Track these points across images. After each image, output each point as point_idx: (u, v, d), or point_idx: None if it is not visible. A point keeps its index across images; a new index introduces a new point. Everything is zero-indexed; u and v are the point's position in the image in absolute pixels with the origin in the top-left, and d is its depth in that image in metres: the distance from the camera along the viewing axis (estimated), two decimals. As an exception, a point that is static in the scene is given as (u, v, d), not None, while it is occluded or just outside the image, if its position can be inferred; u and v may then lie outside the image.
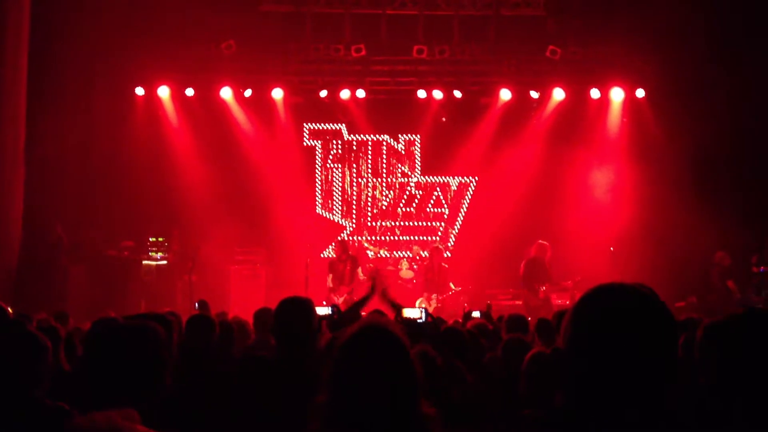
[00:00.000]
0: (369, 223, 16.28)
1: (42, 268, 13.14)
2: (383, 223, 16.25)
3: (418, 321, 5.33)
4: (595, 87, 15.36)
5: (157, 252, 14.38)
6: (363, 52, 14.98)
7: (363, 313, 6.51)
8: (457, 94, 15.44)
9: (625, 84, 15.30)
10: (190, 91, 15.28)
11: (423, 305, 12.92)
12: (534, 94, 15.51)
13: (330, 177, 16.33)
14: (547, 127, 15.61)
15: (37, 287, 12.43)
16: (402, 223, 16.27)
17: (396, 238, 16.18)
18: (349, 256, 13.90)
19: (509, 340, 5.40)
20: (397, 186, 16.38)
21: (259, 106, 15.61)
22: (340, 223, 16.22)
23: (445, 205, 16.31)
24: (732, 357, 2.38)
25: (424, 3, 15.20)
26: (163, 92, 15.31)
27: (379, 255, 15.37)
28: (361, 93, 15.46)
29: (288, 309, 4.22)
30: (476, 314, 8.57)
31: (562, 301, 13.18)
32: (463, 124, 15.75)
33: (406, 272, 14.79)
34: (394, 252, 15.82)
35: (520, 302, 13.48)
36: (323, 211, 16.22)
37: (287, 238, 15.00)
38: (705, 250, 13.57)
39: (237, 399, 4.01)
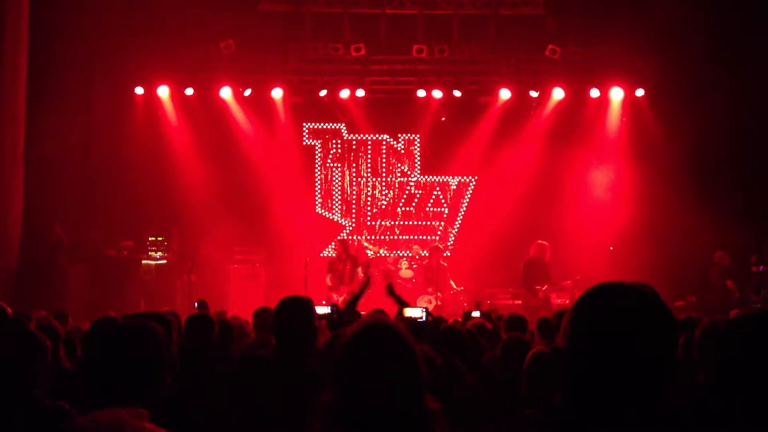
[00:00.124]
0: (368, 223, 16.28)
1: (41, 268, 13.14)
2: (383, 223, 16.25)
3: (419, 320, 5.33)
4: (595, 86, 15.36)
5: (156, 251, 14.37)
6: (362, 52, 14.97)
7: (362, 312, 6.52)
8: (457, 93, 15.44)
9: (625, 83, 15.30)
10: (189, 91, 15.28)
11: (424, 304, 12.93)
12: (533, 94, 15.51)
13: (329, 176, 16.32)
14: (546, 127, 15.61)
15: (36, 287, 12.43)
16: (401, 223, 16.27)
17: (395, 237, 16.18)
18: (349, 255, 13.92)
19: (508, 340, 5.40)
20: (397, 185, 16.38)
21: (259, 105, 15.60)
22: (340, 222, 16.22)
23: (445, 205, 16.30)
24: (731, 356, 2.38)
25: (424, 2, 15.20)
26: (163, 92, 15.30)
27: (378, 254, 15.37)
28: (360, 92, 15.46)
29: (287, 308, 4.22)
30: (476, 314, 8.57)
31: (561, 301, 13.18)
32: (462, 124, 15.75)
33: (405, 271, 14.79)
34: (394, 251, 15.82)
35: (520, 302, 13.48)
36: (323, 211, 16.22)
37: (287, 237, 15.00)
38: (704, 249, 13.58)
39: (236, 398, 4.01)
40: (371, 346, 2.28)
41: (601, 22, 14.90)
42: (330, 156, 16.28)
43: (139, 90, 15.24)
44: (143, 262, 14.25)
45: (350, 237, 15.80)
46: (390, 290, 6.32)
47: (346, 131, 16.24)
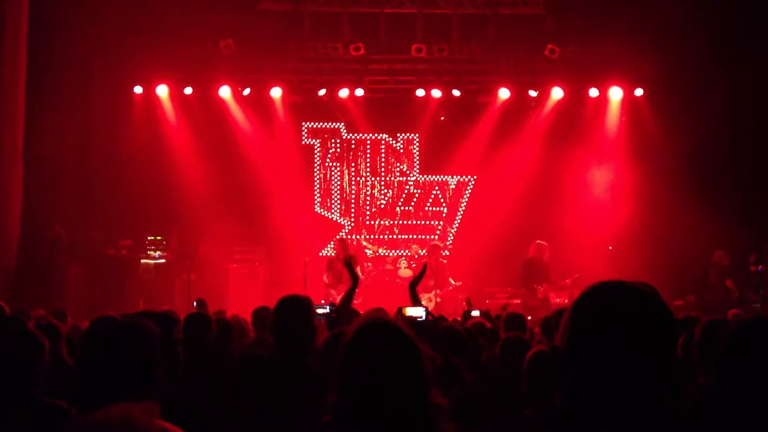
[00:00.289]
0: (367, 222, 16.27)
1: (40, 267, 13.15)
2: (382, 222, 16.24)
3: (419, 320, 5.33)
4: (594, 86, 15.36)
5: (155, 251, 14.36)
6: (362, 51, 14.97)
7: (361, 312, 6.52)
8: (456, 93, 15.44)
9: (624, 83, 15.30)
10: (188, 90, 15.27)
11: (423, 302, 12.92)
12: (533, 93, 15.51)
13: (329, 176, 16.32)
14: (545, 126, 15.61)
15: (35, 286, 12.43)
16: (400, 222, 16.27)
17: (394, 236, 16.17)
18: (348, 254, 13.91)
19: (507, 339, 5.40)
20: (396, 185, 16.38)
21: (258, 104, 15.60)
22: (339, 221, 16.22)
23: (444, 204, 16.30)
24: (732, 357, 2.38)
25: (423, 2, 15.21)
26: (162, 91, 15.30)
27: (377, 254, 15.37)
28: (359, 92, 15.45)
29: (287, 307, 4.22)
30: (476, 313, 8.57)
31: (560, 300, 13.20)
32: (461, 123, 15.74)
33: (404, 271, 14.79)
34: (393, 251, 15.81)
35: (519, 301, 13.48)
36: (322, 210, 16.21)
37: (286, 236, 15.00)
38: (703, 249, 13.58)
39: (235, 398, 4.00)
40: (373, 345, 2.27)
41: (600, 22, 14.90)
42: (329, 155, 16.28)
43: (138, 89, 15.23)
44: (142, 261, 14.24)
45: (349, 236, 15.80)
46: (412, 287, 6.39)
47: (345, 131, 16.23)
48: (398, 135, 16.35)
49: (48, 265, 13.29)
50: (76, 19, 13.58)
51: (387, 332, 2.31)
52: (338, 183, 16.30)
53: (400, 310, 5.57)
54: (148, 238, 14.40)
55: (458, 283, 14.12)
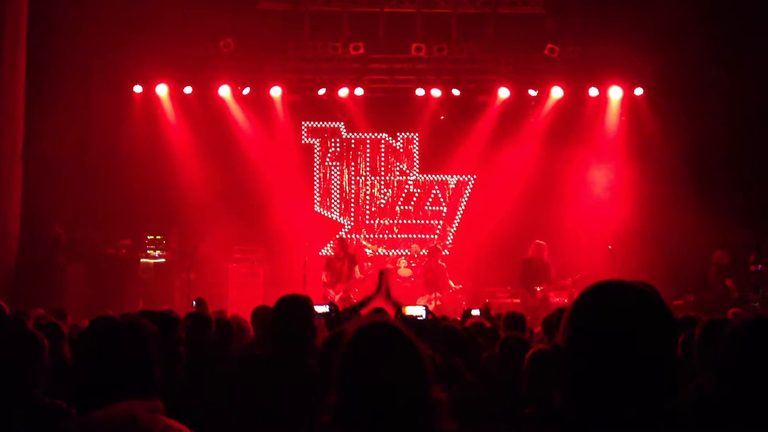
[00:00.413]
0: (367, 221, 16.27)
1: (40, 267, 13.15)
2: (381, 221, 16.24)
3: (419, 319, 5.33)
4: (594, 85, 15.36)
5: (155, 250, 14.36)
6: (361, 50, 14.97)
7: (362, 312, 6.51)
8: (456, 92, 15.44)
9: (624, 82, 15.29)
10: (188, 89, 15.27)
11: (424, 303, 12.92)
12: (532, 93, 15.50)
13: (328, 175, 16.32)
14: (545, 126, 15.60)
15: (35, 285, 12.43)
16: (400, 221, 16.27)
17: (394, 236, 16.17)
18: (347, 254, 13.94)
19: (507, 338, 5.40)
20: (396, 184, 16.38)
21: (258, 104, 15.59)
22: (339, 221, 16.21)
23: (443, 204, 16.30)
24: (732, 356, 2.38)
25: (423, 1, 15.21)
26: (162, 90, 15.29)
27: (377, 253, 15.37)
28: (359, 91, 15.45)
29: (286, 307, 4.22)
30: (475, 312, 8.57)
31: (560, 300, 13.19)
32: (461, 123, 15.74)
33: (404, 270, 14.79)
34: (393, 250, 15.81)
35: (518, 300, 13.48)
36: (321, 210, 16.21)
37: (285, 236, 14.99)
38: (703, 248, 13.57)
39: (235, 397, 4.00)
40: (372, 345, 2.29)
41: (600, 22, 14.90)
42: (329, 155, 16.28)
43: (137, 88, 15.22)
44: (142, 260, 14.24)
45: (349, 235, 15.80)
46: (387, 295, 6.30)
47: (344, 130, 16.23)
48: (398, 134, 16.35)
49: (48, 265, 13.29)
50: (76, 19, 13.58)
51: (386, 333, 2.32)
52: (338, 182, 16.29)
53: (399, 310, 5.56)
54: (148, 237, 14.40)
55: (458, 286, 14.12)
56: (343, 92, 15.46)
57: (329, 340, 4.20)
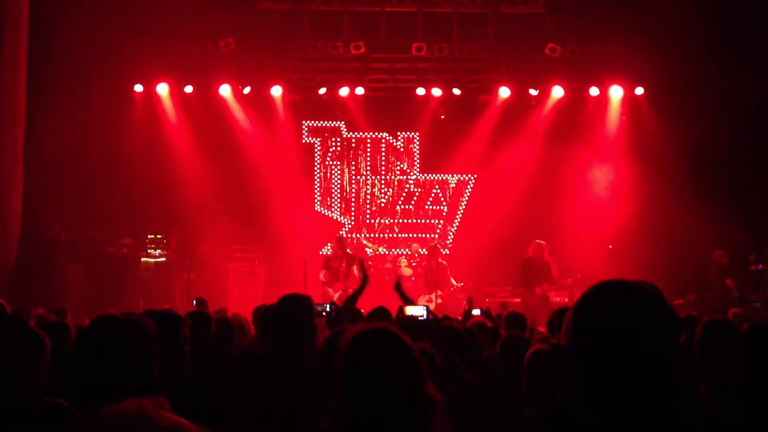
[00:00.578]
0: (368, 221, 16.27)
1: (40, 266, 13.14)
2: (382, 221, 16.24)
3: (420, 319, 5.33)
4: (594, 85, 15.36)
5: (155, 249, 14.36)
6: (362, 50, 14.96)
7: (362, 310, 6.52)
8: (456, 91, 15.44)
9: (624, 82, 15.29)
10: (188, 89, 15.27)
11: (425, 303, 12.93)
12: (533, 92, 15.50)
13: (329, 174, 16.32)
14: (545, 125, 15.60)
15: (35, 285, 12.43)
16: (400, 221, 16.27)
17: (394, 235, 16.17)
18: (345, 253, 13.94)
19: (508, 338, 5.40)
20: (396, 183, 16.38)
21: (258, 103, 15.59)
22: (339, 220, 16.21)
23: (444, 203, 16.30)
24: (744, 358, 2.37)
25: (423, 0, 15.19)
26: (162, 89, 15.29)
27: (377, 252, 15.37)
28: (360, 90, 15.45)
29: (287, 306, 4.21)
30: (476, 312, 8.57)
31: (560, 300, 13.20)
32: (461, 122, 15.74)
33: (404, 269, 14.78)
34: (393, 249, 15.81)
35: (519, 300, 13.49)
36: (322, 209, 16.21)
37: (286, 235, 15.00)
38: (703, 248, 13.57)
39: (235, 396, 4.00)
40: (369, 351, 2.33)
41: (600, 21, 14.90)
42: (329, 154, 16.28)
43: (138, 88, 15.22)
44: (142, 260, 14.24)
45: (349, 235, 15.80)
46: (398, 288, 6.34)
47: (345, 129, 16.23)
48: (398, 134, 16.35)
49: (48, 264, 13.29)
50: (77, 18, 13.57)
51: (382, 337, 2.36)
52: (338, 182, 16.29)
53: (400, 309, 5.56)
54: (149, 236, 14.40)
55: (460, 284, 14.12)
56: (344, 92, 15.46)
57: (330, 339, 4.20)
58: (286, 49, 15.22)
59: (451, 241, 16.12)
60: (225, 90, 15.32)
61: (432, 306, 13.13)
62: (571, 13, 15.21)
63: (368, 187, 16.36)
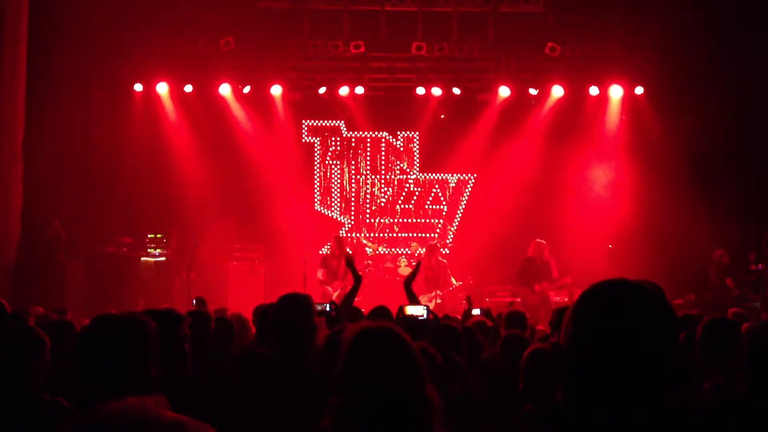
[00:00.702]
0: (367, 220, 16.27)
1: (40, 265, 13.13)
2: (382, 220, 16.24)
3: (420, 318, 5.32)
4: (594, 84, 15.36)
5: (155, 248, 14.36)
6: (362, 49, 14.96)
7: (363, 310, 6.52)
8: (456, 91, 15.43)
9: (624, 81, 15.29)
10: (188, 88, 15.26)
11: (425, 302, 12.92)
12: (533, 92, 15.50)
13: (329, 174, 16.31)
14: (545, 125, 15.60)
15: (35, 284, 12.42)
16: (400, 220, 16.27)
17: (394, 234, 16.17)
18: (343, 252, 13.91)
19: (508, 337, 5.40)
20: (396, 183, 16.37)
21: (258, 102, 15.59)
22: (339, 219, 16.21)
23: (444, 203, 16.29)
24: (754, 358, 2.37)
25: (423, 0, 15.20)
26: (162, 89, 15.28)
27: (377, 252, 15.37)
28: (359, 90, 15.44)
29: (287, 306, 4.21)
30: (476, 311, 8.57)
31: (560, 299, 13.20)
32: (461, 121, 15.74)
33: (404, 269, 14.77)
34: (393, 249, 15.81)
35: (519, 299, 13.49)
36: (322, 208, 16.21)
37: (286, 234, 14.99)
38: (703, 247, 13.58)
39: (236, 395, 4.00)
40: (371, 351, 2.35)
41: (600, 20, 14.89)
42: (329, 153, 16.27)
43: (138, 87, 15.21)
44: (142, 259, 14.23)
45: (349, 234, 15.80)
46: (408, 285, 6.43)
47: (345, 128, 16.22)
48: (398, 133, 16.34)
49: (48, 263, 13.28)
50: (76, 17, 13.58)
51: (383, 337, 2.38)
52: (338, 181, 16.29)
53: (401, 309, 5.56)
54: (148, 236, 14.40)
55: (460, 283, 14.11)
56: (344, 91, 15.45)
57: (330, 338, 4.20)
58: (286, 48, 15.22)
59: (450, 240, 16.12)
60: (225, 89, 15.31)
61: (432, 305, 13.14)
62: (571, 12, 15.20)
63: (368, 186, 16.35)
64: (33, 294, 11.42)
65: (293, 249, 14.53)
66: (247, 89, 15.34)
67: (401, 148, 16.37)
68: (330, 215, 16.20)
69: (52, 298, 11.58)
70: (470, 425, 3.72)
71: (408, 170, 16.36)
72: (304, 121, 16.12)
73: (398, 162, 16.35)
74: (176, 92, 15.35)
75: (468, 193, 16.21)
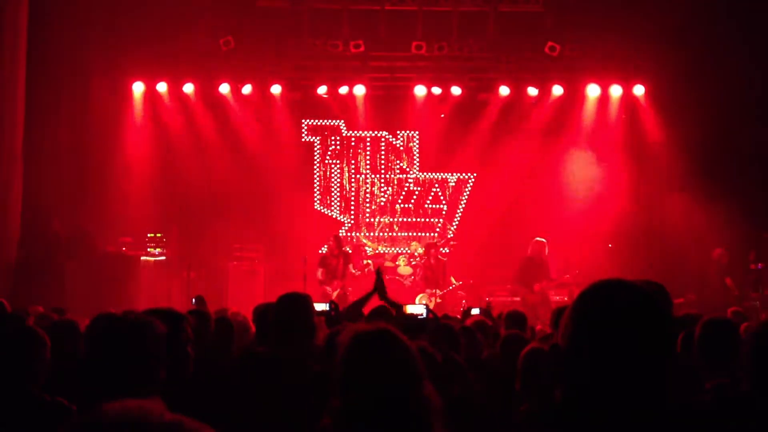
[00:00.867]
0: (367, 219, 16.26)
1: (39, 264, 13.12)
2: (381, 220, 16.23)
3: (419, 317, 5.33)
4: (594, 83, 15.35)
5: (155, 248, 14.35)
6: (361, 48, 14.96)
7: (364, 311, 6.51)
8: (456, 90, 15.43)
9: (624, 81, 15.29)
10: (188, 87, 15.26)
11: (424, 302, 12.93)
12: (533, 91, 15.49)
13: (328, 173, 16.30)
14: (545, 124, 15.59)
15: (34, 283, 12.41)
16: (400, 220, 16.26)
17: (394, 234, 16.16)
18: (342, 251, 13.92)
19: (508, 337, 5.40)
20: (396, 182, 16.36)
21: (258, 102, 15.58)
22: (339, 219, 16.20)
23: (444, 202, 16.28)
24: (756, 358, 2.37)
25: (423, -1, 15.20)
26: (162, 88, 15.28)
27: (377, 251, 15.36)
28: (359, 89, 15.43)
29: (287, 305, 4.22)
30: (475, 311, 8.56)
31: (560, 298, 13.20)
32: (461, 121, 15.73)
33: (404, 268, 14.79)
34: (392, 248, 15.80)
35: (518, 299, 13.49)
36: (321, 208, 16.20)
37: (285, 234, 14.99)
38: (703, 247, 13.58)
39: (236, 395, 4.00)
40: (367, 353, 2.36)
41: (600, 19, 14.87)
42: (329, 153, 16.26)
43: (138, 86, 15.22)
44: (142, 258, 14.23)
45: (349, 233, 15.80)
46: (383, 295, 6.32)
47: (345, 128, 16.22)
48: (398, 132, 16.33)
49: (47, 263, 13.27)
50: (76, 16, 13.57)
51: (381, 339, 2.39)
52: (338, 180, 16.28)
53: (400, 309, 5.57)
54: (148, 235, 14.40)
55: (459, 283, 14.11)
56: (344, 90, 15.45)
57: (330, 338, 4.20)
58: (286, 48, 15.21)
59: (450, 239, 16.11)
60: (224, 88, 15.31)
61: (431, 305, 13.14)
62: (571, 11, 15.19)
63: (368, 185, 16.35)
64: (33, 293, 11.41)
65: (293, 248, 14.53)
66: (246, 88, 15.34)
67: (401, 148, 16.36)
68: (330, 214, 16.20)
69: (52, 298, 11.56)
70: (470, 425, 3.73)
71: (408, 169, 16.35)
72: (303, 121, 16.11)
73: (398, 161, 16.35)
74: (176, 91, 15.35)
75: (468, 193, 16.21)
